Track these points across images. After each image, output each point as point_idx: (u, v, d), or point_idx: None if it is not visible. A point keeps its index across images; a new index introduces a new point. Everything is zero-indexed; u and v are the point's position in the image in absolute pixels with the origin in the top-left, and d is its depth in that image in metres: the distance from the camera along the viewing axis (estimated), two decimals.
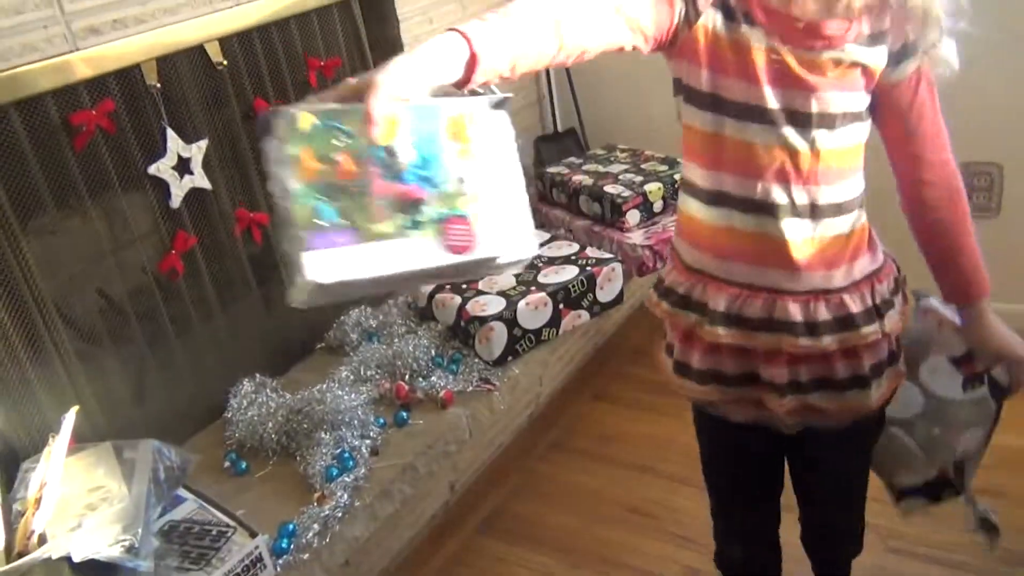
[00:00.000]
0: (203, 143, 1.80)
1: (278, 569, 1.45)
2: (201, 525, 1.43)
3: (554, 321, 2.04)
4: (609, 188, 2.38)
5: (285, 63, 2.00)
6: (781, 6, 1.01)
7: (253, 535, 1.41)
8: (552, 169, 2.60)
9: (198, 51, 1.82)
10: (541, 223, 2.53)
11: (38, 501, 1.33)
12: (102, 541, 1.27)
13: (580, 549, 1.94)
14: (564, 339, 2.10)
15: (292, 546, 1.48)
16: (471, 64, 0.86)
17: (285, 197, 0.79)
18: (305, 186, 0.79)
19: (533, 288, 2.04)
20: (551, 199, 2.58)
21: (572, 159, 2.67)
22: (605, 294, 2.12)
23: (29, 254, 1.56)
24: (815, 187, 1.08)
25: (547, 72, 2.91)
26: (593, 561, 1.89)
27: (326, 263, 0.78)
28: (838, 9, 1.00)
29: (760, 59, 1.03)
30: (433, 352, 1.96)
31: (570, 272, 2.09)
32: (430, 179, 0.86)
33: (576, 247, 2.22)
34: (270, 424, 1.74)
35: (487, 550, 1.97)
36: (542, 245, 2.26)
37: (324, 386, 1.80)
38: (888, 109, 1.10)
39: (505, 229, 0.90)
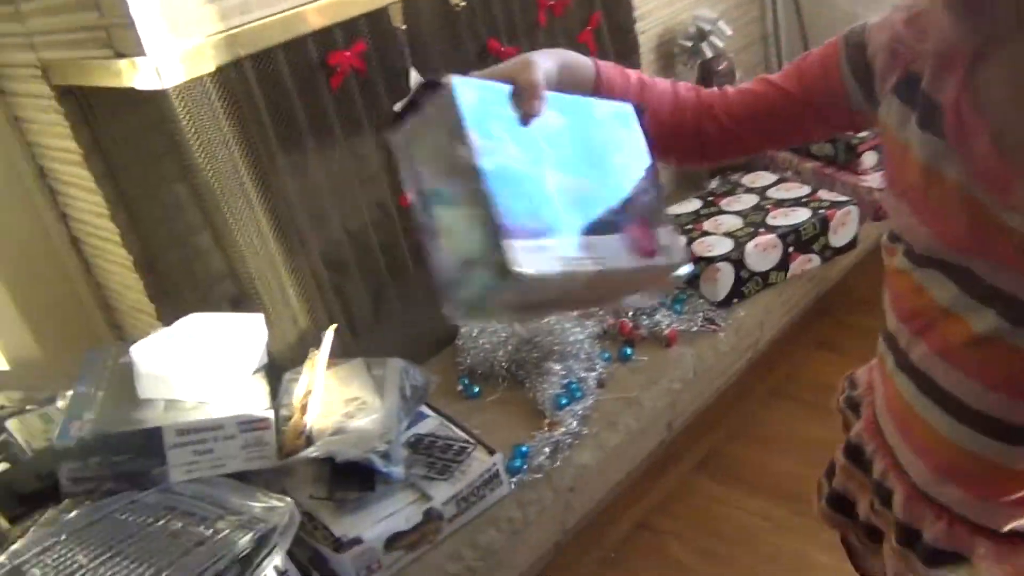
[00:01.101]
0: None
1: (512, 487, 1.52)
2: (443, 440, 1.52)
3: (783, 264, 1.98)
4: None
5: (517, 3, 2.04)
6: (1000, 116, 0.65)
7: (491, 452, 1.49)
8: None
9: None
10: (766, 165, 2.45)
11: (304, 407, 1.47)
12: (361, 446, 1.38)
13: (799, 497, 1.90)
14: (790, 283, 2.04)
15: (525, 466, 1.55)
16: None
17: (470, 176, 0.65)
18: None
19: (762, 230, 1.99)
20: None
21: None
22: (839, 238, 2.03)
23: (291, 186, 1.70)
24: (966, 379, 0.75)
25: (774, 9, 2.80)
26: (812, 508, 1.85)
27: (529, 253, 0.64)
28: None
29: (923, 178, 0.71)
30: None
31: (802, 215, 2.02)
32: (588, 176, 0.74)
33: (807, 189, 2.14)
34: (500, 352, 1.81)
35: (703, 490, 1.97)
36: (771, 186, 2.20)
37: (552, 319, 1.85)
38: None
39: (669, 235, 0.78)
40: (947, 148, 0.69)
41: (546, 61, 0.75)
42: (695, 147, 0.89)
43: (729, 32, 2.41)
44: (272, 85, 1.66)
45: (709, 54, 2.37)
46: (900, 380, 0.83)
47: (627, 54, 2.33)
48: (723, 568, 1.80)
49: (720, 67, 2.37)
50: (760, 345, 2.12)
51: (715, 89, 0.88)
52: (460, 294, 0.68)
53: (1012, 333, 0.69)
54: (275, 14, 1.62)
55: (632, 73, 0.86)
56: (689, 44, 2.39)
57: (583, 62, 0.81)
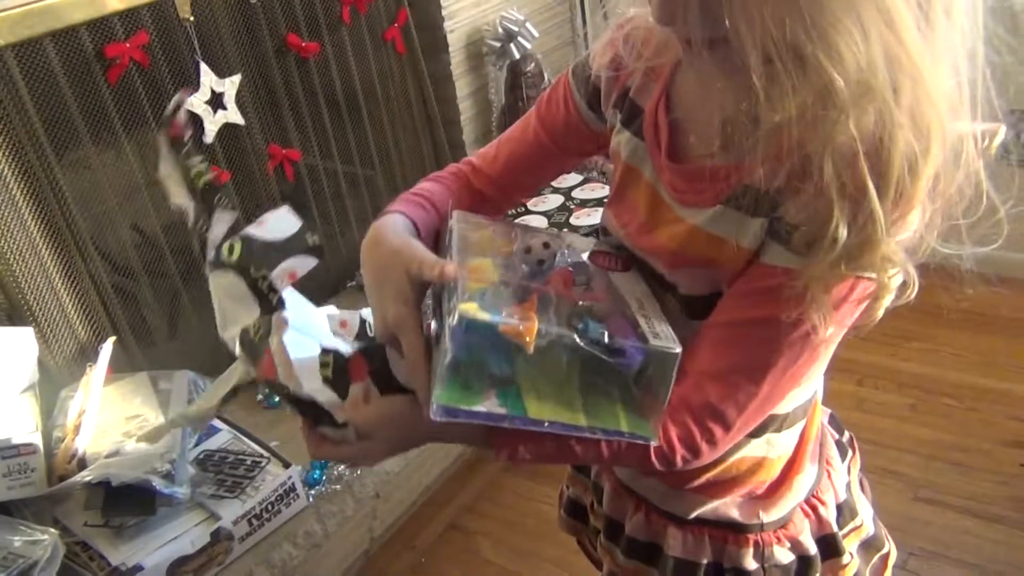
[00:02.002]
0: (236, 78, 1.79)
1: (311, 499, 1.47)
2: (235, 455, 1.46)
3: None
4: None
5: None
6: (683, 118, 0.71)
7: (286, 466, 1.44)
8: None
9: None
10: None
11: (77, 428, 1.37)
12: (140, 467, 1.30)
13: None
14: None
15: (324, 477, 1.51)
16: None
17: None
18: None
19: (565, 230, 2.03)
20: None
21: None
22: None
23: (65, 187, 1.58)
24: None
25: (582, 12, 2.86)
26: None
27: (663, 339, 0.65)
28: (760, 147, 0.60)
29: (624, 175, 0.78)
30: None
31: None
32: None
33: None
34: None
35: (512, 487, 1.99)
36: (576, 187, 2.25)
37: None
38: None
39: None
40: (644, 149, 0.75)
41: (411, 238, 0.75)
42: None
43: (536, 34, 2.44)
44: (40, 78, 1.53)
45: (517, 55, 2.39)
46: None
47: (436, 53, 2.32)
48: (531, 562, 1.83)
49: (528, 68, 2.39)
50: None
51: (470, 166, 0.89)
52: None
53: (685, 325, 0.70)
54: (38, 1, 1.50)
55: (429, 202, 0.84)
56: (497, 45, 2.40)
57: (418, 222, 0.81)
